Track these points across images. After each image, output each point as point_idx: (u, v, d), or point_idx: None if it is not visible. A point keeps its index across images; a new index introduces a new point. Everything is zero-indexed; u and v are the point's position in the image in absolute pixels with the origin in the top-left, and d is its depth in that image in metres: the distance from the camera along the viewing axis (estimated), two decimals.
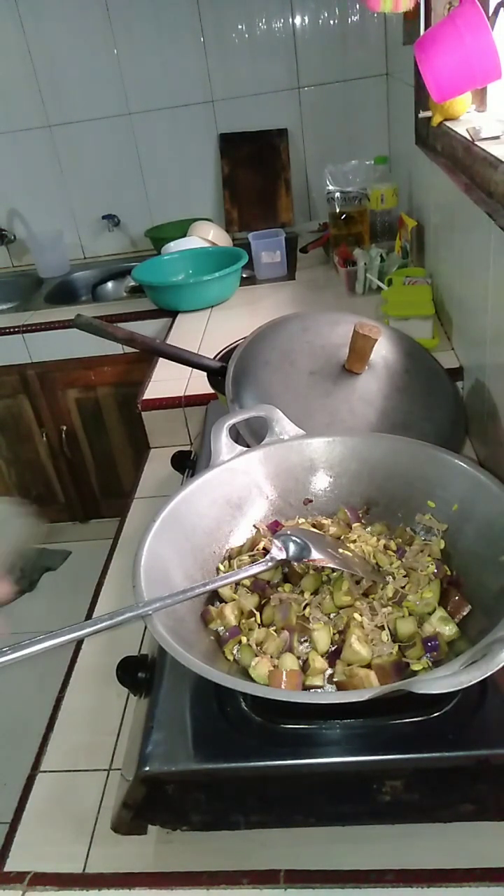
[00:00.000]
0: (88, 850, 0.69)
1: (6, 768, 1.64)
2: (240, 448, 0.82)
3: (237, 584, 0.72)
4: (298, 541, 0.68)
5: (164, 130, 2.42)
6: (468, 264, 1.17)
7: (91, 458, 2.29)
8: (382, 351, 0.99)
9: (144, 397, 1.46)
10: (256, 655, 0.63)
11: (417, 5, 1.35)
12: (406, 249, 1.75)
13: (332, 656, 0.64)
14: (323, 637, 0.65)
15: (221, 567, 0.75)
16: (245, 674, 0.62)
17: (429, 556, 0.72)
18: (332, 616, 0.68)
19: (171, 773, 0.59)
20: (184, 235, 2.18)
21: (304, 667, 0.63)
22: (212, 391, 1.19)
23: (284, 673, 0.60)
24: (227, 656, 0.65)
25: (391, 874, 0.60)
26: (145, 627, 0.68)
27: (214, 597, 0.72)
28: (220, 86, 2.34)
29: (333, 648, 0.64)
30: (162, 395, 1.45)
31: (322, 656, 0.64)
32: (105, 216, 2.53)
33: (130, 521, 1.22)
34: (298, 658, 0.64)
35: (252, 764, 0.58)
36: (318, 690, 0.61)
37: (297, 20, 2.24)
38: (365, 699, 0.51)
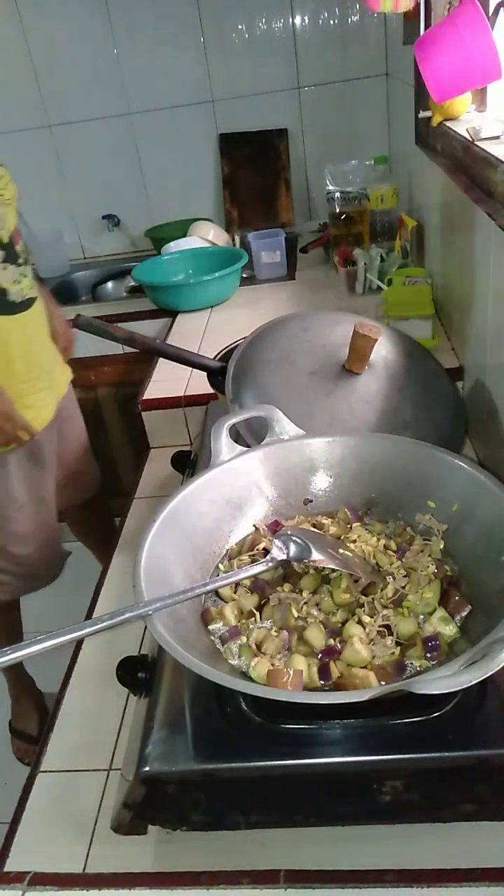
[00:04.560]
0: (88, 850, 0.69)
1: (6, 768, 1.64)
2: (240, 448, 0.82)
3: (237, 584, 0.72)
4: (299, 541, 0.68)
5: (164, 130, 2.41)
6: (468, 264, 1.17)
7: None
8: (382, 351, 0.99)
9: (144, 397, 1.46)
10: (256, 655, 0.63)
11: (417, 5, 1.35)
12: (406, 249, 1.75)
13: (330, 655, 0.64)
14: (316, 634, 0.65)
15: (221, 567, 0.75)
16: (245, 674, 0.62)
17: (429, 556, 0.72)
18: (329, 615, 0.68)
19: (171, 773, 0.59)
20: (184, 235, 2.18)
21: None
22: (212, 391, 1.19)
23: (291, 672, 0.59)
24: (227, 656, 0.65)
25: (391, 874, 0.60)
26: (145, 627, 0.68)
27: (214, 597, 0.72)
28: (219, 86, 2.34)
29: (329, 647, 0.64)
30: (162, 395, 1.45)
31: (315, 654, 0.64)
32: (105, 216, 2.53)
33: (130, 521, 1.22)
34: (305, 657, 0.64)
35: (252, 764, 0.58)
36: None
37: (297, 20, 2.24)
38: (365, 699, 0.51)
